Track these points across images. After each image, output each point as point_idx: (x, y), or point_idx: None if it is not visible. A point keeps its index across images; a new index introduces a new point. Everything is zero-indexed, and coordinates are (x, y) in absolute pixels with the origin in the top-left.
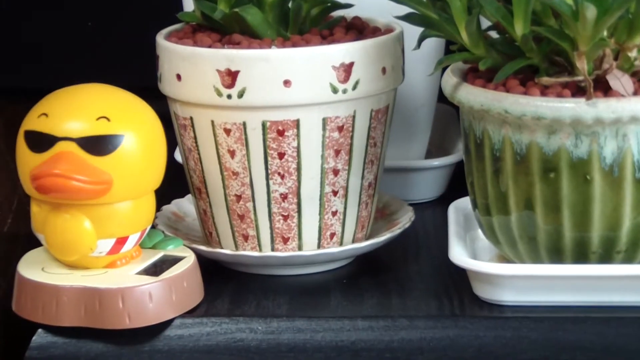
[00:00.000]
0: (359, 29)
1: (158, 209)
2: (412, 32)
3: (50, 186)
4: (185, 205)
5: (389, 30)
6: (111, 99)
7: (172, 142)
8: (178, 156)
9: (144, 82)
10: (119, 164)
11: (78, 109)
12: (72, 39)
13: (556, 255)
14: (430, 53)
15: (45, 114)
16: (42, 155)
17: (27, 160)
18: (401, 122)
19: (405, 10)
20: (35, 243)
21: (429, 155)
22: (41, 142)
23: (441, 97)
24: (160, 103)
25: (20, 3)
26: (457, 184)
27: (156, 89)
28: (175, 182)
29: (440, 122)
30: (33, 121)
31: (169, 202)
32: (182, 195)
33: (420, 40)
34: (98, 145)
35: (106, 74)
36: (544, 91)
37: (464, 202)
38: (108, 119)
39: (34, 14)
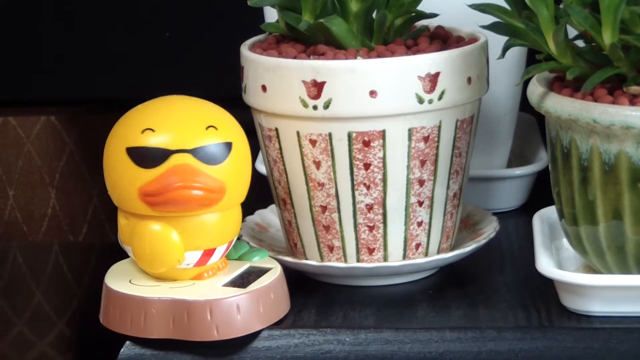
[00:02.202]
0: (442, 39)
1: (242, 220)
2: (495, 41)
3: (173, 199)
4: (268, 216)
5: (472, 39)
6: (211, 108)
7: (253, 152)
8: (259, 166)
9: (222, 92)
10: (230, 172)
11: (187, 119)
12: (149, 50)
13: None
14: (512, 62)
15: (151, 129)
16: (154, 170)
17: (133, 176)
18: (483, 132)
19: (489, 19)
20: (111, 252)
21: (509, 163)
22: (151, 157)
23: (521, 105)
24: (239, 112)
25: (95, 14)
26: (538, 193)
27: (235, 98)
28: (258, 192)
29: (520, 130)
30: (137, 137)
31: (252, 213)
32: (264, 206)
33: (505, 50)
34: (212, 154)
35: (183, 84)
36: (633, 100)
37: (548, 212)
38: (216, 128)
39: (111, 25)
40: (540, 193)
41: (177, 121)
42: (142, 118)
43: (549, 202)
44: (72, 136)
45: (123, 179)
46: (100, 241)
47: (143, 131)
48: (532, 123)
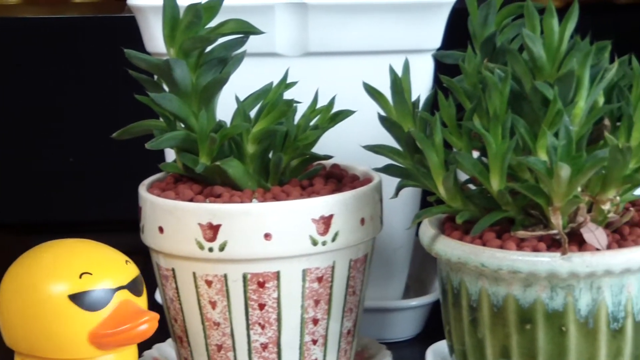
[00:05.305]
0: (338, 178)
1: (140, 354)
2: (390, 178)
3: (127, 338)
4: (166, 349)
5: (367, 179)
6: (106, 247)
7: (152, 283)
8: (158, 297)
9: (122, 216)
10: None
11: (114, 258)
12: (52, 174)
13: None
14: (407, 196)
15: (89, 272)
16: (102, 312)
17: (81, 321)
18: (379, 264)
19: (383, 160)
20: None
21: (407, 289)
22: (97, 299)
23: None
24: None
25: None
26: (434, 322)
27: (134, 222)
28: None
29: (418, 255)
30: (77, 283)
31: (149, 347)
32: (162, 339)
33: (398, 190)
34: (139, 286)
35: (83, 209)
36: (520, 244)
37: (441, 346)
38: (129, 262)
39: (14, 149)
40: (436, 321)
41: (108, 260)
42: (76, 264)
43: (444, 332)
44: None
45: (67, 326)
46: None
47: (81, 276)
48: None
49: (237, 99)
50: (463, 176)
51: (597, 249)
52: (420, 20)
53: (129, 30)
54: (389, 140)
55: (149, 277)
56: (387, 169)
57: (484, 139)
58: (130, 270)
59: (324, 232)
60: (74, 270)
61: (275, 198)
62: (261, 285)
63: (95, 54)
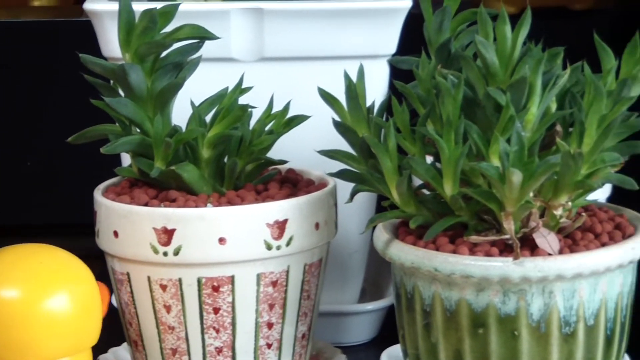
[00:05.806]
0: (293, 182)
1: (95, 358)
2: (345, 182)
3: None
4: (122, 353)
5: (322, 183)
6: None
7: (108, 287)
8: (114, 301)
9: (81, 220)
10: None
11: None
12: (8, 177)
13: None
14: (362, 201)
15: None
16: None
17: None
18: (334, 268)
19: (338, 165)
20: None
21: (363, 292)
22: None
23: None
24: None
25: None
26: (390, 326)
27: (89, 226)
28: (112, 328)
29: (374, 259)
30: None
31: (105, 351)
32: (117, 342)
33: (353, 195)
34: None
35: (43, 211)
36: (473, 249)
37: (396, 350)
38: None
39: None
40: (391, 325)
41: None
42: (69, 258)
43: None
44: None
45: (95, 311)
46: None
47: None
48: None
49: (192, 103)
50: (417, 181)
51: (549, 254)
52: (375, 26)
53: (87, 34)
54: (343, 145)
55: (104, 281)
56: (341, 174)
57: (437, 144)
58: None
59: (279, 236)
60: (77, 261)
61: (230, 203)
62: (216, 289)
63: (53, 57)
